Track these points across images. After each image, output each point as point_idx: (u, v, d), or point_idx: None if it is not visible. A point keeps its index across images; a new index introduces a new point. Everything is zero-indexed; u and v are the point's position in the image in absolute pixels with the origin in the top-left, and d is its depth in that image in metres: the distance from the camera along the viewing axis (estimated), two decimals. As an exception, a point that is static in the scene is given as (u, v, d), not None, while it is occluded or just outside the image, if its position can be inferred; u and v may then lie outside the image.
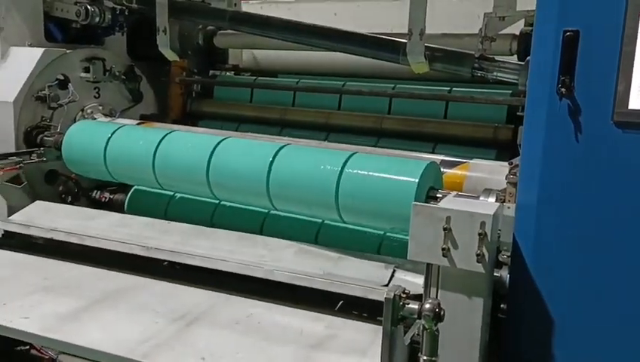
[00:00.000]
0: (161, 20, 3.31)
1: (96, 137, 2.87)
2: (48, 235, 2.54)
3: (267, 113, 3.73)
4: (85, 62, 3.45)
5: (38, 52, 3.23)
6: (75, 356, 2.01)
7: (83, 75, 3.44)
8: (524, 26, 2.72)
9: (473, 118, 3.25)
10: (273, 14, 4.06)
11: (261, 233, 2.67)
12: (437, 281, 1.84)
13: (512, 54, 2.84)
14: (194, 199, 2.93)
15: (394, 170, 2.20)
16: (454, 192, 2.11)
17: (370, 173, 2.23)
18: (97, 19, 3.51)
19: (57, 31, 3.58)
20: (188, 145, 2.65)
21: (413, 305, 1.66)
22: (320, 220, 2.63)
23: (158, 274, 2.39)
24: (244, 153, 2.52)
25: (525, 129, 1.88)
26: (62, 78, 3.30)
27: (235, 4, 3.83)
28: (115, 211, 3.05)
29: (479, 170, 2.53)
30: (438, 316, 1.62)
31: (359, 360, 1.78)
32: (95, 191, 3.38)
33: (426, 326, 1.63)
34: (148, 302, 2.10)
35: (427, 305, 1.62)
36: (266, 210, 2.74)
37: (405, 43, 2.66)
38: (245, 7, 4.12)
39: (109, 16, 3.56)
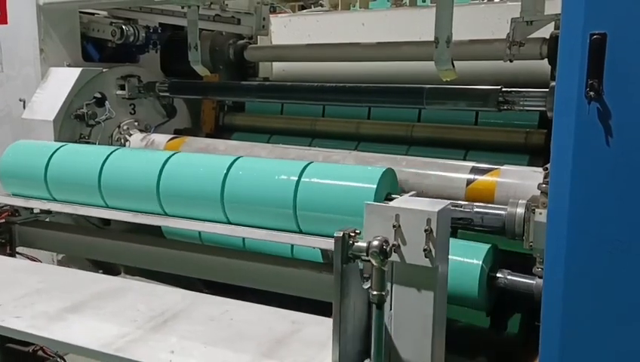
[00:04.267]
0: (192, 37, 3.39)
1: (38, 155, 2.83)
2: (45, 207, 2.77)
3: (297, 124, 3.77)
4: (121, 80, 3.56)
5: (76, 72, 3.34)
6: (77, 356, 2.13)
7: (119, 92, 3.55)
8: (554, 29, 2.69)
9: (504, 124, 3.23)
10: (301, 26, 4.14)
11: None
12: (391, 276, 1.89)
13: (542, 58, 2.81)
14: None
15: (353, 177, 2.24)
16: (410, 193, 2.24)
17: (328, 182, 2.25)
18: (132, 38, 3.60)
19: (94, 50, 3.70)
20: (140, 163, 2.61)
21: (362, 244, 1.78)
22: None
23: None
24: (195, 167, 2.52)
25: (554, 134, 1.85)
26: (99, 95, 3.40)
27: (264, 19, 3.90)
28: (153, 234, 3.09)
29: (510, 176, 2.51)
30: (384, 252, 1.74)
31: (319, 351, 1.87)
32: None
33: (374, 263, 1.75)
34: (132, 302, 2.21)
35: (375, 242, 1.75)
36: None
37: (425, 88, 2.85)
38: (274, 20, 4.19)
39: (143, 35, 3.66)
